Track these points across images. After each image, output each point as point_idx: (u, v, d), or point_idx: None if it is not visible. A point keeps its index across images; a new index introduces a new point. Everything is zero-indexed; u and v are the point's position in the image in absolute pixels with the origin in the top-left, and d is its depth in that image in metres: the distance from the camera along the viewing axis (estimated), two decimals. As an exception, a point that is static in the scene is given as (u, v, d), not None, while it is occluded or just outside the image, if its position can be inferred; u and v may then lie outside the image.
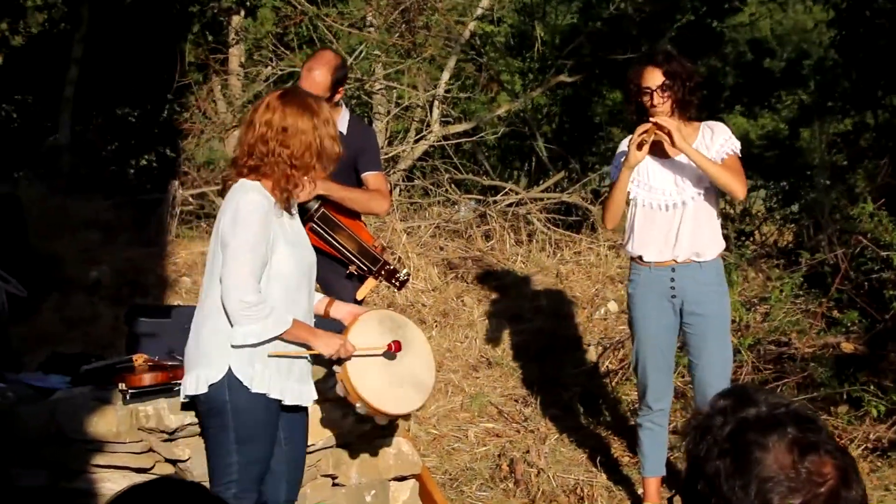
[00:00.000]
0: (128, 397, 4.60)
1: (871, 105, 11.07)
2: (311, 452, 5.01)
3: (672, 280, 5.20)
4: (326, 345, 4.15)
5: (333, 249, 5.31)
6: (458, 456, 6.47)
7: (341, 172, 5.36)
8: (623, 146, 5.32)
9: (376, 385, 4.31)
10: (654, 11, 12.85)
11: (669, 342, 5.36)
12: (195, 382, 4.02)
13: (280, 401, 4.08)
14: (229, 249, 3.92)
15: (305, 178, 4.09)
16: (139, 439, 4.62)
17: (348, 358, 4.20)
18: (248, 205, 3.94)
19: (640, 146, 5.03)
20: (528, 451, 6.36)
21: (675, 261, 5.17)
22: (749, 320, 7.24)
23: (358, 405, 4.32)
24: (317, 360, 4.37)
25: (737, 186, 5.12)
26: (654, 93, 5.07)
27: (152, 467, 4.68)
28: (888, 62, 10.28)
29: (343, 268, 5.36)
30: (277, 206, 4.04)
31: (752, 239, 9.97)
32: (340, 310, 4.45)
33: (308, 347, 4.16)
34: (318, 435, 5.01)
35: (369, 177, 5.48)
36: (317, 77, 5.29)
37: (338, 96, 5.42)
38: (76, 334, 7.63)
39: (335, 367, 4.29)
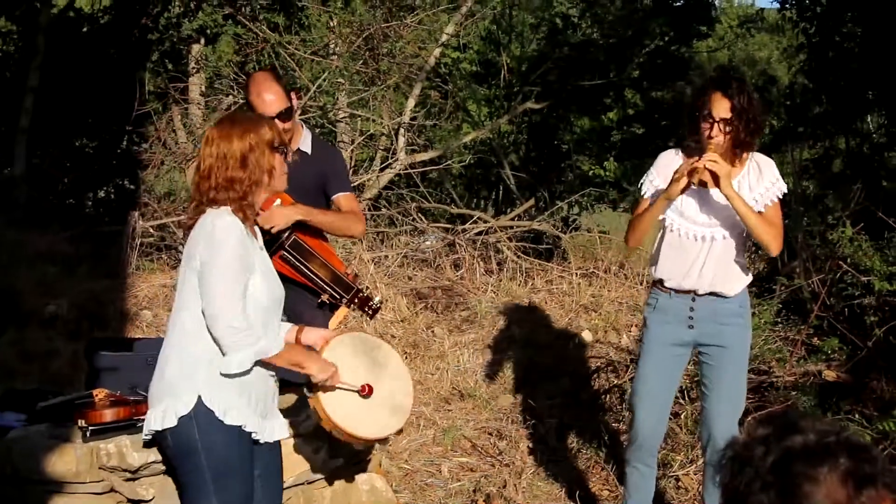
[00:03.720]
0: (88, 434, 4.40)
1: (842, 130, 11.01)
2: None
3: (691, 309, 4.90)
4: (321, 369, 4.02)
5: (305, 279, 5.09)
6: (431, 491, 6.28)
7: (309, 195, 5.18)
8: (663, 159, 5.00)
9: (351, 411, 4.17)
10: (621, 37, 12.79)
11: (673, 377, 5.07)
12: (161, 416, 3.77)
13: (251, 434, 3.87)
14: (211, 276, 3.74)
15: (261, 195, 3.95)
16: (100, 479, 4.41)
17: (325, 388, 4.07)
18: (223, 227, 3.78)
19: (688, 180, 4.68)
20: (504, 486, 6.18)
21: (695, 292, 4.89)
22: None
23: (334, 432, 4.19)
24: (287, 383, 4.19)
25: (772, 244, 4.78)
26: (717, 124, 4.70)
27: (114, 509, 4.44)
28: (859, 87, 10.24)
29: (314, 297, 5.14)
30: (248, 230, 3.88)
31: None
32: (311, 335, 4.27)
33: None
34: (289, 471, 4.84)
35: (341, 198, 5.30)
36: (270, 96, 5.10)
37: (296, 101, 5.25)
38: (33, 369, 7.41)
39: (306, 392, 4.14)
